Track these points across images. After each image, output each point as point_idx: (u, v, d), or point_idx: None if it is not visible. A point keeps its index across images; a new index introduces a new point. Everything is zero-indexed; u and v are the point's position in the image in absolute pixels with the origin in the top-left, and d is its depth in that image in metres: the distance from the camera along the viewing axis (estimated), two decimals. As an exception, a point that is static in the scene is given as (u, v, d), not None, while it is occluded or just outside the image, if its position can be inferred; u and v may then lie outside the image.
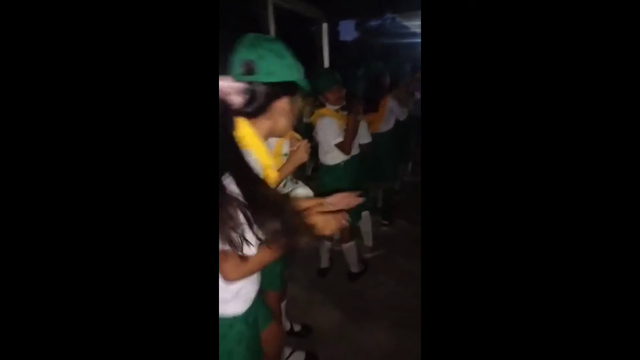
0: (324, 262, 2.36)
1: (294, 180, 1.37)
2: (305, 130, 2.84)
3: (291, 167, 1.26)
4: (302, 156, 1.27)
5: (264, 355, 0.99)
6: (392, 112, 2.70)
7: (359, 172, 2.22)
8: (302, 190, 1.35)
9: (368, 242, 2.57)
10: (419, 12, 8.64)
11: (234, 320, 0.79)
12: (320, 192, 1.86)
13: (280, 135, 0.81)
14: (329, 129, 1.99)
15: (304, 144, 1.27)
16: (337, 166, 2.08)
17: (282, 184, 1.27)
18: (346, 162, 2.08)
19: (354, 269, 2.28)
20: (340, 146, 2.00)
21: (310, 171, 4.21)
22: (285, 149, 1.35)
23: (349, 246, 2.22)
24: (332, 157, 2.07)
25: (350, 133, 1.97)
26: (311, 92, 1.70)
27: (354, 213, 2.03)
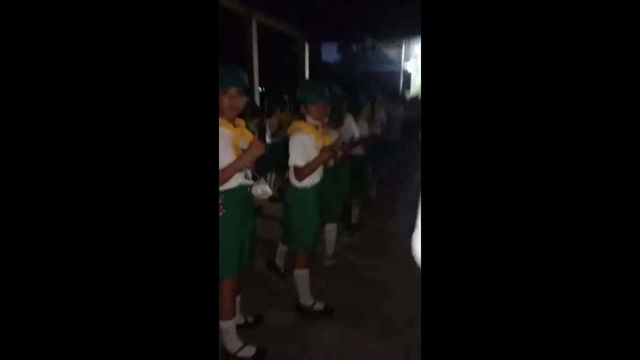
0: (279, 261, 2.45)
1: (257, 176, 1.52)
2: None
3: (248, 157, 1.41)
4: (258, 150, 1.42)
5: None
6: (347, 132, 2.86)
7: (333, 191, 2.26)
8: (262, 188, 1.50)
9: (329, 251, 2.71)
10: (397, 40, 9.05)
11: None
12: (285, 216, 1.94)
13: None
14: (299, 147, 1.74)
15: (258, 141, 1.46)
16: (304, 189, 1.85)
17: (242, 174, 1.45)
18: (317, 185, 1.88)
19: (304, 300, 2.03)
20: (296, 169, 1.76)
21: (277, 191, 4.11)
22: (243, 144, 1.45)
23: (302, 273, 1.98)
24: (294, 179, 1.85)
25: (318, 164, 1.78)
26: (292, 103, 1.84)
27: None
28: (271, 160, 3.50)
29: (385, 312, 2.03)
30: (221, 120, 1.36)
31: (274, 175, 4.01)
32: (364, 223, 3.38)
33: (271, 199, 3.91)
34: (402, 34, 7.54)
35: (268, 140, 3.74)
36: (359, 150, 3.01)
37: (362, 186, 3.26)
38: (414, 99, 7.74)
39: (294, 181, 1.85)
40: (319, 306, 2.04)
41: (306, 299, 2.03)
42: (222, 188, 1.38)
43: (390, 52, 10.86)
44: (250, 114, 3.14)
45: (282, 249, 2.42)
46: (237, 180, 1.43)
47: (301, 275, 1.98)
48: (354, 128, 2.84)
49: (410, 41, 9.51)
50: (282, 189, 2.05)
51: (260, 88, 7.17)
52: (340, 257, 2.73)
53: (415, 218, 0.67)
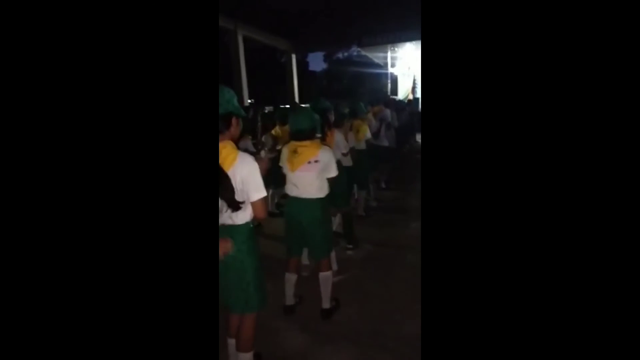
0: (289, 299, 2.21)
1: None
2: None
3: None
4: (264, 164, 1.44)
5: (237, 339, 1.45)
6: (337, 145, 2.82)
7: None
8: None
9: (334, 266, 2.64)
10: (382, 47, 9.15)
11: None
12: (310, 231, 1.96)
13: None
14: (333, 163, 1.98)
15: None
16: (324, 198, 2.02)
17: None
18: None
19: (327, 303, 2.13)
20: (333, 178, 2.01)
21: (275, 206, 4.00)
22: None
23: (329, 275, 2.08)
24: (317, 191, 1.99)
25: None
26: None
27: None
28: (270, 176, 3.42)
29: (399, 329, 1.97)
30: (232, 143, 1.34)
31: (271, 191, 3.94)
32: (366, 234, 3.32)
33: (271, 214, 3.88)
34: (387, 39, 7.61)
35: (264, 155, 3.68)
36: (346, 162, 2.97)
37: (345, 197, 3.05)
38: (405, 102, 7.77)
39: (313, 193, 1.98)
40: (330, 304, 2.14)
41: (328, 302, 2.13)
42: (242, 222, 1.34)
43: (376, 58, 10.95)
44: (246, 131, 3.09)
45: (290, 279, 2.17)
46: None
47: (327, 277, 2.09)
48: (340, 143, 2.80)
49: (395, 47, 9.61)
50: (291, 204, 2.04)
51: (249, 100, 7.13)
52: (344, 273, 2.67)
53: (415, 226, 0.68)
